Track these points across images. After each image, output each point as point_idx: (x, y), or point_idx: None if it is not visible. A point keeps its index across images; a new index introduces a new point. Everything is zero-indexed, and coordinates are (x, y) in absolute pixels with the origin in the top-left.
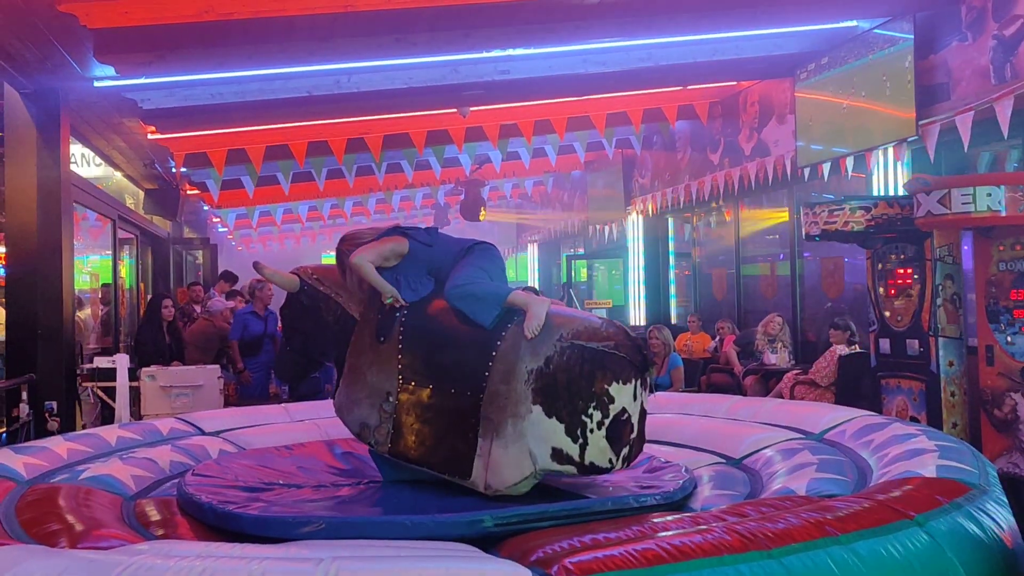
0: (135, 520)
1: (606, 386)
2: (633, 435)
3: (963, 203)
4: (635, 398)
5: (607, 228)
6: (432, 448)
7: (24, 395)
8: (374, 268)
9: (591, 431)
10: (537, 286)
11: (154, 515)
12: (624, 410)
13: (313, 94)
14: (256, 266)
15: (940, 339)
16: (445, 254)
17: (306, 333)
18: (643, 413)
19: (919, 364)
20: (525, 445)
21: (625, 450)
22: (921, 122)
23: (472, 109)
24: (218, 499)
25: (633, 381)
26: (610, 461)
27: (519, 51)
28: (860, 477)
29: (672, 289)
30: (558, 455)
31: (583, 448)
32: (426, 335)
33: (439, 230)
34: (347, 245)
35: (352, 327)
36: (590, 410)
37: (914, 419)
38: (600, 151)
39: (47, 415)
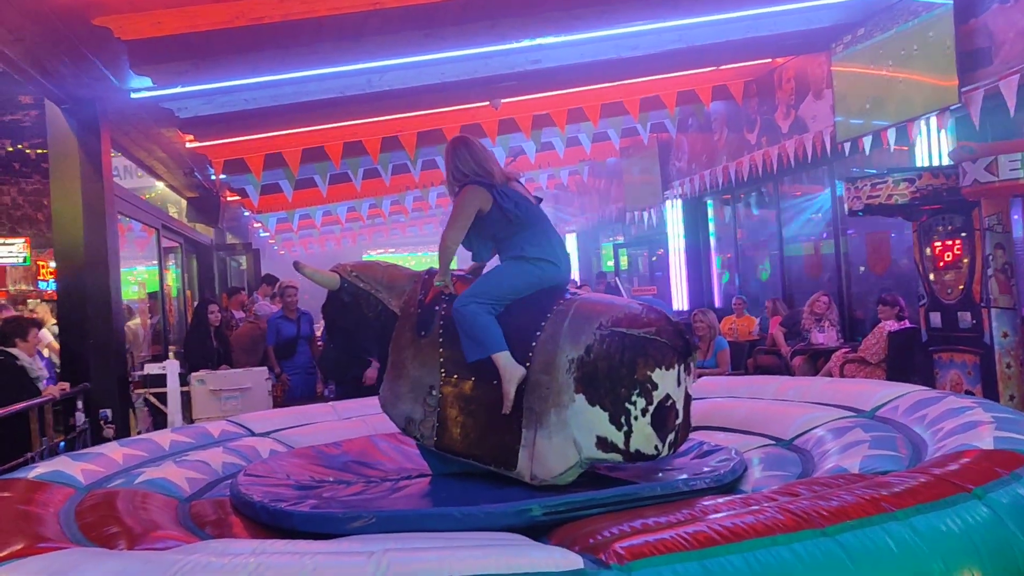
0: (190, 521)
1: (648, 372)
2: (678, 421)
3: (1011, 169)
4: (679, 383)
5: (646, 214)
6: (477, 440)
7: (79, 404)
8: (454, 252)
9: (635, 418)
10: (577, 278)
11: (209, 516)
12: (668, 396)
13: (346, 94)
14: (296, 265)
15: (993, 310)
16: (509, 235)
17: (348, 330)
18: (688, 398)
19: (972, 337)
20: (569, 434)
21: (671, 436)
22: (964, 89)
23: (504, 101)
24: (270, 498)
25: (676, 366)
26: (656, 448)
27: (549, 40)
28: (915, 453)
29: (714, 272)
30: (603, 443)
31: (628, 436)
32: None
33: (531, 205)
34: (459, 143)
35: (393, 323)
36: (633, 397)
37: (969, 393)
38: (635, 137)
39: (102, 423)
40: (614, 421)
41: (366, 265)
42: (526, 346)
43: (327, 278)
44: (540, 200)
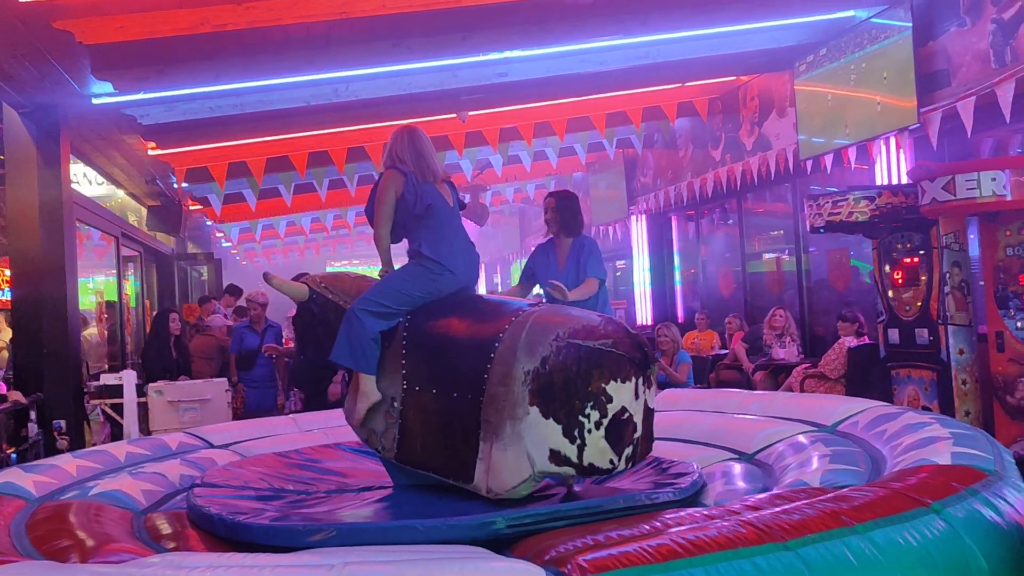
0: (146, 534)
1: (603, 385)
2: (637, 434)
3: (968, 189)
4: (636, 396)
5: (611, 229)
6: (436, 452)
7: (32, 415)
8: (388, 243)
9: (589, 431)
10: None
11: (165, 528)
12: (624, 409)
13: (312, 104)
14: (265, 277)
15: (950, 327)
16: (412, 227)
17: (319, 341)
18: (648, 412)
19: (929, 353)
20: (523, 448)
21: (628, 450)
22: (922, 110)
23: (471, 114)
24: (228, 510)
25: (633, 379)
26: (611, 462)
27: (516, 53)
28: (874, 467)
29: (678, 288)
30: (556, 457)
31: (581, 449)
32: (427, 339)
33: (444, 206)
34: (406, 131)
35: None
36: (587, 410)
37: (926, 408)
38: (601, 152)
39: (56, 434)
40: (567, 434)
41: (335, 276)
42: (485, 358)
43: (296, 289)
44: (463, 206)
